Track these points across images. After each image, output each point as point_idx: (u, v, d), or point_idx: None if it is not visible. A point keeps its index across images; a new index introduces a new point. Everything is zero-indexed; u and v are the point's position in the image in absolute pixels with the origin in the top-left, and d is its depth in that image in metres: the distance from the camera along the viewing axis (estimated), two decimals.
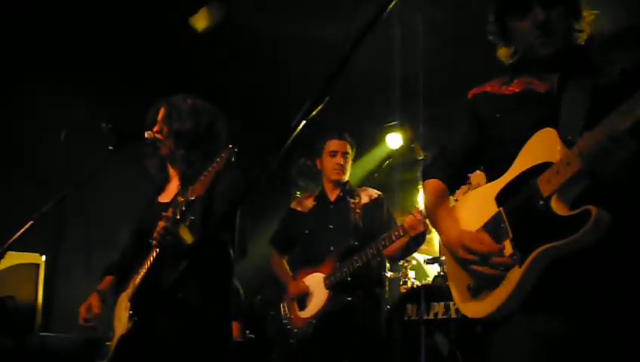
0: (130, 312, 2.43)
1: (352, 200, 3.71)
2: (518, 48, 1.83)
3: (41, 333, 3.53)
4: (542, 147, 1.62)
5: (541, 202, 1.57)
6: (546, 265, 1.55)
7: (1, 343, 3.27)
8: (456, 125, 2.03)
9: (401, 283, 4.84)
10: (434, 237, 4.73)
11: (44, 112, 4.42)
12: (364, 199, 3.74)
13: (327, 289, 3.52)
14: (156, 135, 2.59)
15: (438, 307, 3.96)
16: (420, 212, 3.31)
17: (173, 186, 2.66)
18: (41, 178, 4.09)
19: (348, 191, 3.78)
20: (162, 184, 2.72)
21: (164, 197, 2.65)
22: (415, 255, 5.17)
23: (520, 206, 1.63)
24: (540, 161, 1.60)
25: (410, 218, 3.34)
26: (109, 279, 2.69)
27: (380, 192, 3.83)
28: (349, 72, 1.34)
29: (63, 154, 2.69)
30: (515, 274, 1.59)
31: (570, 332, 1.56)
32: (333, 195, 3.78)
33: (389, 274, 4.82)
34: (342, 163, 3.72)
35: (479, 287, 1.70)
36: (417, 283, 4.77)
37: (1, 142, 4.37)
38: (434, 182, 1.97)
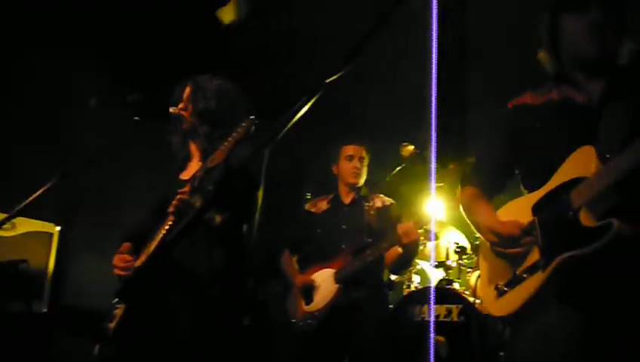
0: None
1: (367, 204, 3.78)
2: (562, 54, 1.86)
3: (49, 301, 3.59)
4: (580, 163, 1.69)
5: (570, 213, 1.65)
6: (568, 272, 1.63)
7: (11, 307, 3.33)
8: (493, 135, 2.11)
9: (405, 286, 4.88)
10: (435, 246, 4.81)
11: (68, 83, 4.51)
12: (378, 203, 3.82)
13: (336, 283, 3.56)
14: (181, 112, 2.66)
15: (440, 309, 4.00)
16: (417, 222, 3.42)
17: (195, 164, 2.72)
18: (67, 147, 4.15)
19: (362, 196, 3.85)
20: (184, 162, 2.78)
21: (185, 175, 2.70)
22: (419, 261, 5.24)
23: (552, 216, 1.72)
24: (577, 176, 1.68)
25: (405, 224, 3.43)
26: (126, 245, 2.73)
27: (393, 201, 3.90)
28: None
29: (88, 123, 2.75)
30: (537, 278, 1.70)
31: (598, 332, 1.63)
32: (347, 199, 3.86)
33: (393, 277, 4.88)
34: (359, 166, 3.79)
35: (504, 289, 1.82)
36: (420, 286, 4.81)
37: (27, 112, 4.45)
38: (469, 189, 2.08)
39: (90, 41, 4.63)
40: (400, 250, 3.53)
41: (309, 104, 1.33)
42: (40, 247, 3.54)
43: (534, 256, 1.74)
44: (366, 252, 3.50)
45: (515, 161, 2.00)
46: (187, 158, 2.78)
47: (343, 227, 3.74)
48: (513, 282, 1.79)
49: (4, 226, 2.89)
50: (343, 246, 3.65)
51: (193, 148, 2.76)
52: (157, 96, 2.68)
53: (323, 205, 3.94)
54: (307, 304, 3.66)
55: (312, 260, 3.82)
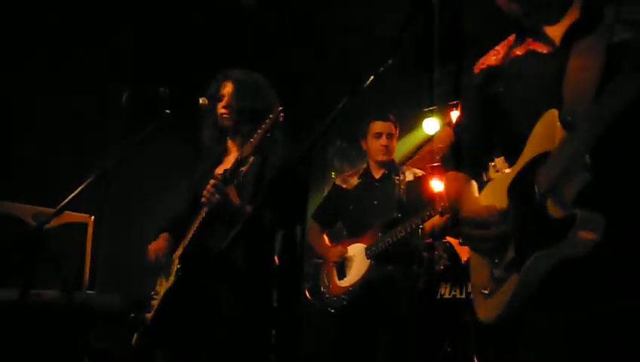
0: (178, 268, 2.52)
1: (397, 178, 3.75)
2: None
3: (87, 291, 3.66)
4: (544, 133, 1.40)
5: (537, 198, 1.37)
6: (544, 271, 1.35)
7: (52, 297, 3.42)
8: (464, 107, 1.87)
9: (434, 264, 4.88)
10: None
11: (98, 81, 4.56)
12: (409, 177, 3.78)
13: (368, 259, 3.56)
14: (221, 109, 2.68)
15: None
16: None
17: (231, 159, 2.73)
18: (100, 141, 4.21)
19: (393, 169, 3.82)
20: (220, 156, 2.81)
21: (221, 170, 2.73)
22: (449, 238, 5.23)
23: (520, 204, 1.46)
24: (542, 150, 1.40)
25: None
26: (164, 236, 2.77)
27: (423, 172, 3.88)
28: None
29: (121, 117, 2.79)
30: (513, 282, 1.45)
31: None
32: (378, 174, 3.82)
33: (424, 254, 4.89)
34: (386, 144, 3.75)
35: (488, 292, 1.57)
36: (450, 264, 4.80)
37: (60, 105, 4.52)
38: (452, 174, 1.85)
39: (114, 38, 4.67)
40: (446, 216, 3.48)
41: (351, 102, 1.31)
42: (77, 238, 3.62)
43: (511, 251, 1.47)
44: (397, 228, 3.49)
45: (492, 134, 1.73)
46: (223, 153, 2.80)
47: (375, 203, 3.72)
48: (493, 284, 1.54)
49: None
50: (375, 222, 3.62)
51: (230, 143, 2.78)
52: (187, 89, 2.69)
53: (354, 181, 3.90)
54: (340, 279, 3.67)
55: (345, 238, 3.82)
